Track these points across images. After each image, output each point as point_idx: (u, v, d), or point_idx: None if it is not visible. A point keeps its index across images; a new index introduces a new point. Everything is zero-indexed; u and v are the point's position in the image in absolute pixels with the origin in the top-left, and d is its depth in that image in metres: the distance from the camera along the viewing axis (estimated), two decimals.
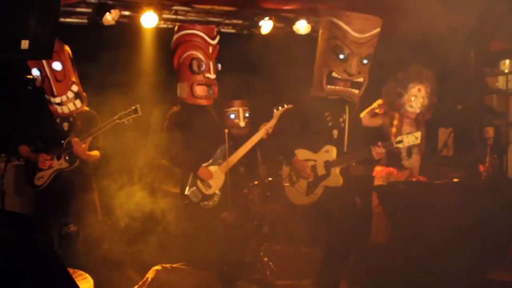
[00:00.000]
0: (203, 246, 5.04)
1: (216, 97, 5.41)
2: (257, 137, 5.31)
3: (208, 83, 5.27)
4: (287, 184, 5.20)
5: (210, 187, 5.25)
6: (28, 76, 4.82)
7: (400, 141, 4.97)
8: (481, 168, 6.28)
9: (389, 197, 4.85)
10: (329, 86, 5.02)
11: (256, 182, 6.15)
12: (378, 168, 5.61)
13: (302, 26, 7.16)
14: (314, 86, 5.14)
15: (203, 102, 5.30)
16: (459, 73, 6.59)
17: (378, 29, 5.00)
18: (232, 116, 6.59)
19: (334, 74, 4.99)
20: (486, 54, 7.29)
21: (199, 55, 5.25)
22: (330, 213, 5.01)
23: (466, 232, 4.97)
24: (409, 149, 5.57)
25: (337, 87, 5.01)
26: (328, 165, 5.00)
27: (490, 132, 6.28)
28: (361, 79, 5.03)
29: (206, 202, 5.25)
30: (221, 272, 5.09)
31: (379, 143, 4.90)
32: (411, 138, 4.97)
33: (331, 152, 4.98)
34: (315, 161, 5.04)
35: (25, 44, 3.60)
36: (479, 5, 5.49)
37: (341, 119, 5.07)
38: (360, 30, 4.89)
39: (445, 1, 5.64)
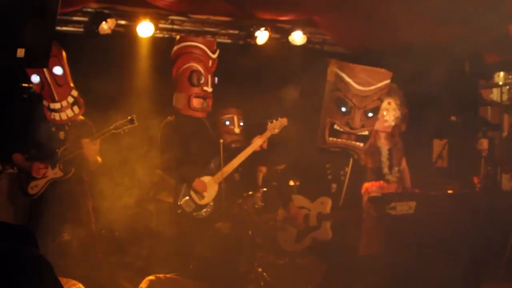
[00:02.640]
0: (197, 256, 5.03)
1: (209, 110, 5.42)
2: (251, 149, 5.31)
3: (204, 96, 5.29)
4: (278, 228, 5.10)
5: (203, 197, 5.24)
6: (24, 84, 4.82)
7: (394, 208, 4.73)
8: (476, 179, 6.31)
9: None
10: (331, 138, 4.85)
11: (250, 193, 6.13)
12: (367, 184, 5.63)
13: (297, 37, 7.19)
14: (318, 137, 4.98)
15: (198, 114, 5.33)
16: (454, 85, 6.61)
17: (386, 81, 4.82)
18: (227, 122, 6.59)
19: (336, 127, 4.82)
20: (481, 66, 7.32)
21: (199, 68, 5.27)
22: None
23: (460, 243, 4.98)
24: (390, 165, 5.60)
25: (339, 140, 4.85)
26: (320, 217, 4.85)
27: (484, 144, 6.30)
28: (366, 133, 4.87)
29: (199, 212, 5.25)
30: (215, 282, 5.07)
31: (373, 207, 4.78)
32: (404, 207, 4.75)
33: (326, 205, 4.84)
34: (309, 210, 4.90)
35: (21, 52, 3.59)
36: (474, 18, 5.53)
37: (342, 172, 4.92)
38: (364, 83, 4.73)
39: (441, 13, 5.68)
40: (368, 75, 4.74)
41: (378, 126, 5.59)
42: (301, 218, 4.87)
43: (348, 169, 4.91)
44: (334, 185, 4.87)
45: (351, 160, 4.92)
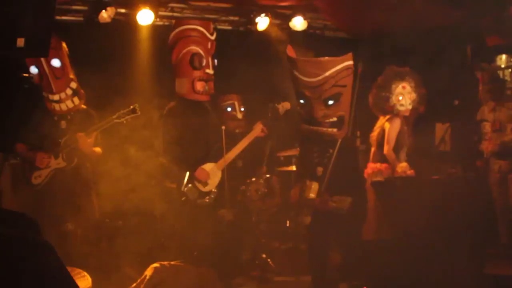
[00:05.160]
0: (201, 243, 5.05)
1: (212, 93, 5.40)
2: (254, 134, 5.30)
3: (206, 79, 5.27)
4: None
5: (207, 184, 5.24)
6: (25, 74, 4.82)
7: (334, 201, 4.63)
8: (479, 163, 6.31)
9: (386, 193, 4.82)
10: (305, 126, 4.82)
11: (253, 179, 6.14)
12: (372, 165, 5.65)
13: (298, 23, 7.15)
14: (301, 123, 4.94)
15: (202, 97, 5.30)
16: (456, 68, 6.59)
17: (338, 67, 4.64)
18: (229, 109, 6.59)
19: (304, 116, 4.81)
20: (483, 49, 7.29)
21: (200, 50, 5.23)
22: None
23: (464, 225, 4.99)
24: (397, 147, 5.64)
25: (311, 127, 4.78)
26: (305, 202, 4.80)
27: (487, 127, 6.29)
28: (334, 119, 4.73)
29: (202, 199, 5.25)
30: (219, 269, 5.09)
31: (319, 200, 4.68)
32: (339, 203, 4.63)
33: (311, 189, 4.75)
34: (304, 193, 4.88)
35: (20, 42, 3.58)
36: (475, 0, 5.50)
37: (327, 154, 4.82)
38: (310, 74, 4.62)
39: None
40: (312, 67, 4.62)
41: (396, 112, 5.64)
42: (294, 200, 4.86)
43: (334, 151, 4.82)
44: (320, 169, 4.82)
45: (339, 141, 4.83)
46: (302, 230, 4.95)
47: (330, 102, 4.69)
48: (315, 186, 4.76)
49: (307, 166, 4.86)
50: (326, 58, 4.69)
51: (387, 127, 5.69)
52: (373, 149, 5.90)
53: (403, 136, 5.74)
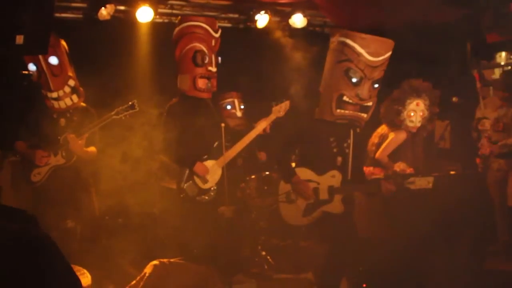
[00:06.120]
0: (200, 241, 5.04)
1: (215, 90, 5.40)
2: (255, 132, 5.27)
3: (209, 76, 5.25)
4: (283, 201, 5.00)
5: (206, 181, 5.23)
6: (24, 72, 4.82)
7: (412, 182, 4.73)
8: (478, 160, 6.31)
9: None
10: (338, 111, 4.77)
11: (253, 176, 6.14)
12: (368, 169, 5.64)
13: (298, 20, 7.15)
14: (321, 109, 4.88)
15: (204, 95, 5.28)
16: (456, 65, 6.58)
17: (390, 52, 4.74)
18: (229, 107, 6.57)
19: (345, 98, 4.74)
20: (482, 46, 7.28)
21: (203, 47, 5.21)
22: (326, 237, 4.96)
23: (463, 223, 4.99)
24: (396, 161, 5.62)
25: (346, 112, 4.77)
26: (332, 191, 4.81)
27: (486, 124, 6.28)
28: (370, 103, 4.80)
29: (202, 197, 5.24)
30: (219, 266, 5.09)
31: (391, 180, 4.74)
32: (423, 182, 4.74)
33: (337, 178, 4.76)
34: (318, 184, 4.82)
35: (20, 39, 3.58)
36: None
37: (345, 144, 4.87)
38: (375, 53, 4.65)
39: None
40: (378, 45, 4.67)
41: (404, 127, 5.60)
42: (310, 190, 4.83)
43: (351, 141, 4.87)
44: (339, 158, 4.86)
45: (351, 132, 4.88)
46: (329, 219, 4.87)
47: (376, 85, 4.78)
48: (339, 175, 4.80)
49: (326, 156, 4.87)
50: (389, 40, 4.75)
51: (391, 137, 5.66)
52: (368, 154, 5.88)
53: (405, 149, 5.69)
